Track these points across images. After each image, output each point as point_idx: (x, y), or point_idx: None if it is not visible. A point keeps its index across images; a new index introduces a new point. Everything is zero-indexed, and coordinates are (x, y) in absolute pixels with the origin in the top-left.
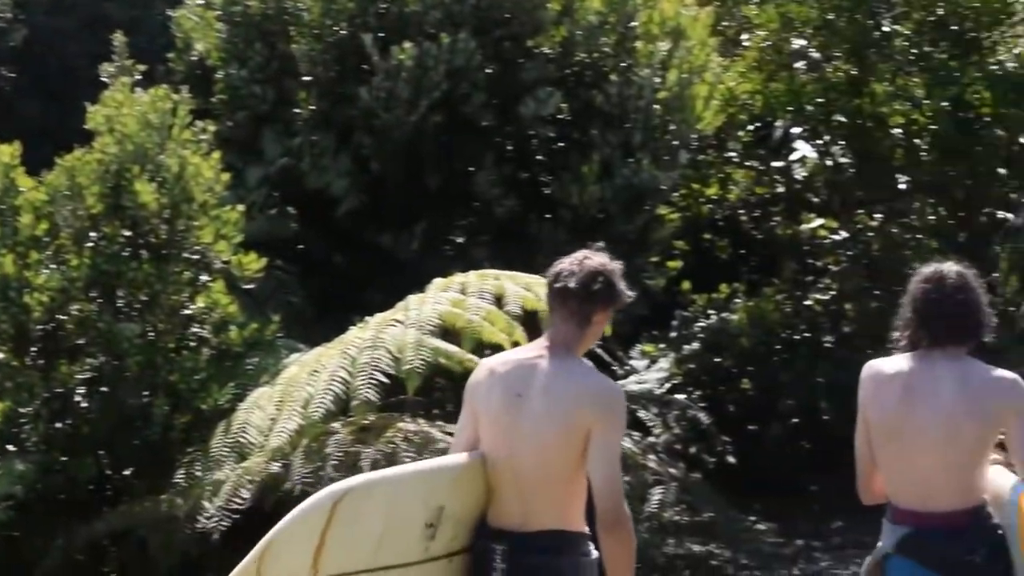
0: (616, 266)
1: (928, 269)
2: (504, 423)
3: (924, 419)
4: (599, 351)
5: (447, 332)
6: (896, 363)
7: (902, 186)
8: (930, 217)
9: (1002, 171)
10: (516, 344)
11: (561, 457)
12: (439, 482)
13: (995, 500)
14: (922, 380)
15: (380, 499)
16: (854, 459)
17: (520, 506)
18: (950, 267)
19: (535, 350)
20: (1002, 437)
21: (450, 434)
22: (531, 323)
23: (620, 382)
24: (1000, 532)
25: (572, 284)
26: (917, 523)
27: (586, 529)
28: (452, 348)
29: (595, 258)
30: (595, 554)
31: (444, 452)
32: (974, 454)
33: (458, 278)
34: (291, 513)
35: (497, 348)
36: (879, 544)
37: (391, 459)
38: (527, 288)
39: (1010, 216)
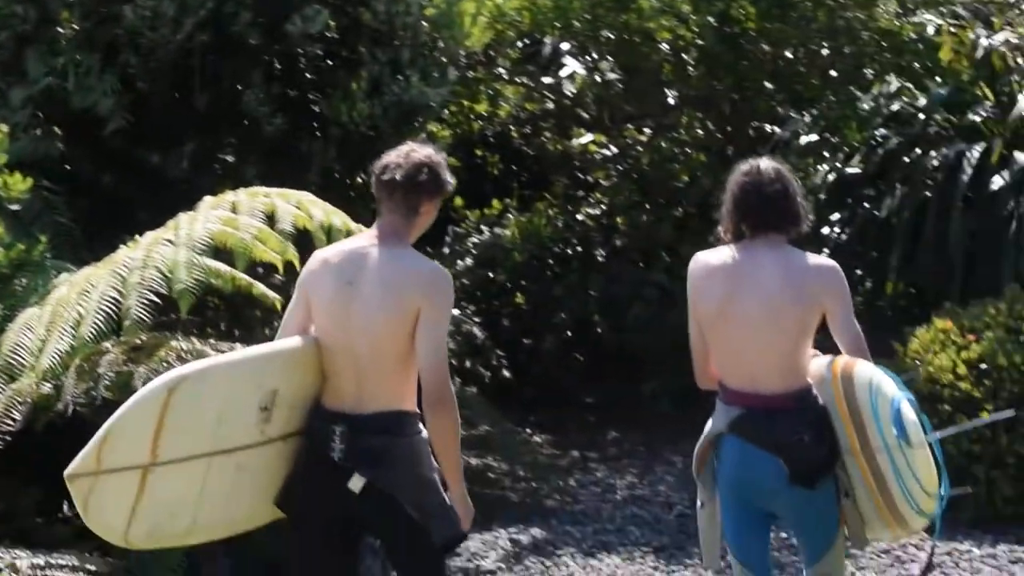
0: (441, 158)
1: (745, 165)
2: (337, 311)
3: (749, 305)
4: None
5: (218, 251)
6: (721, 254)
7: (671, 101)
8: (698, 131)
9: (768, 85)
10: (289, 263)
11: (393, 341)
12: (272, 366)
13: (817, 382)
14: (745, 268)
15: (215, 384)
16: (625, 372)
17: (356, 389)
18: (766, 162)
19: (366, 240)
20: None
21: (222, 351)
22: (303, 241)
23: None
24: (827, 413)
25: (398, 176)
26: (747, 404)
27: (418, 409)
28: (224, 267)
29: (420, 151)
30: (426, 432)
31: None
32: (797, 337)
33: (228, 196)
34: (128, 402)
35: (270, 266)
36: (710, 424)
37: None
38: (298, 206)
39: (777, 129)
